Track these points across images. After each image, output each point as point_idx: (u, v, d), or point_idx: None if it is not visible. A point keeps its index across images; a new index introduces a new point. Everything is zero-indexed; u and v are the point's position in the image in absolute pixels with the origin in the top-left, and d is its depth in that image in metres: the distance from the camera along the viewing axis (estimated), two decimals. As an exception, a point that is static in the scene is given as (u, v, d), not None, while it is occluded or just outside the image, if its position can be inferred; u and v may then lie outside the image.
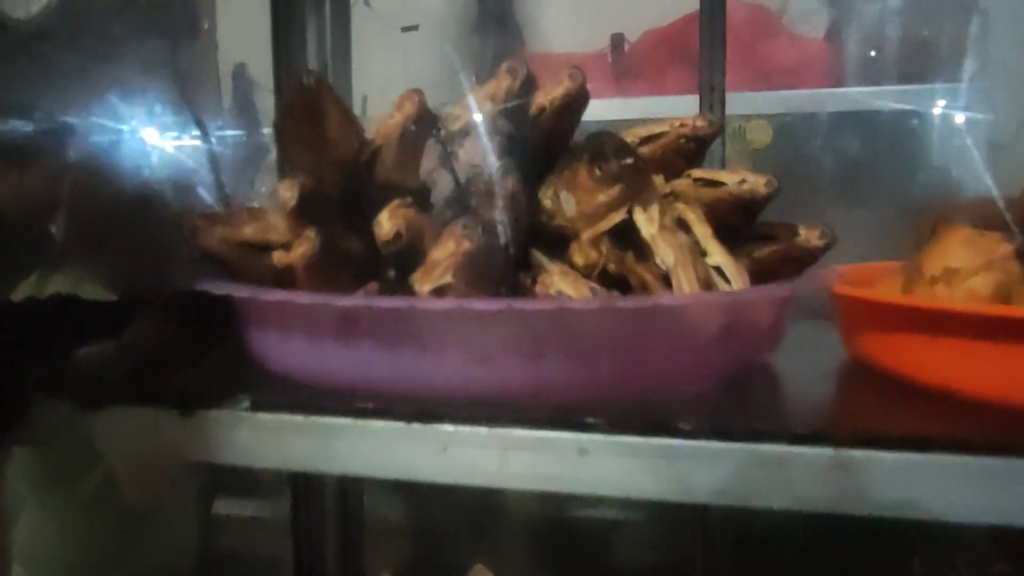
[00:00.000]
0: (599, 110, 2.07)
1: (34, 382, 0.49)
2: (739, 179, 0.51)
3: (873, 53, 2.08)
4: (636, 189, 0.47)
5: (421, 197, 0.53)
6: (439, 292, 0.43)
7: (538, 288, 0.49)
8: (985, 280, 0.43)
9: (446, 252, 0.42)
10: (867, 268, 0.61)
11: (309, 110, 0.46)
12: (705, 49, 0.95)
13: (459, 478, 0.43)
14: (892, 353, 0.46)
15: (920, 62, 2.04)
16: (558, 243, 0.52)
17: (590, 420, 0.41)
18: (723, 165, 1.92)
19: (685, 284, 0.45)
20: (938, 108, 2.01)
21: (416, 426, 0.43)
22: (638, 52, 2.20)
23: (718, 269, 0.49)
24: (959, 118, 2.00)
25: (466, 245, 0.41)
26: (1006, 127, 2.17)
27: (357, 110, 2.77)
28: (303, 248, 0.45)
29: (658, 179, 0.51)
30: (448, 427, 0.42)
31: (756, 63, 2.05)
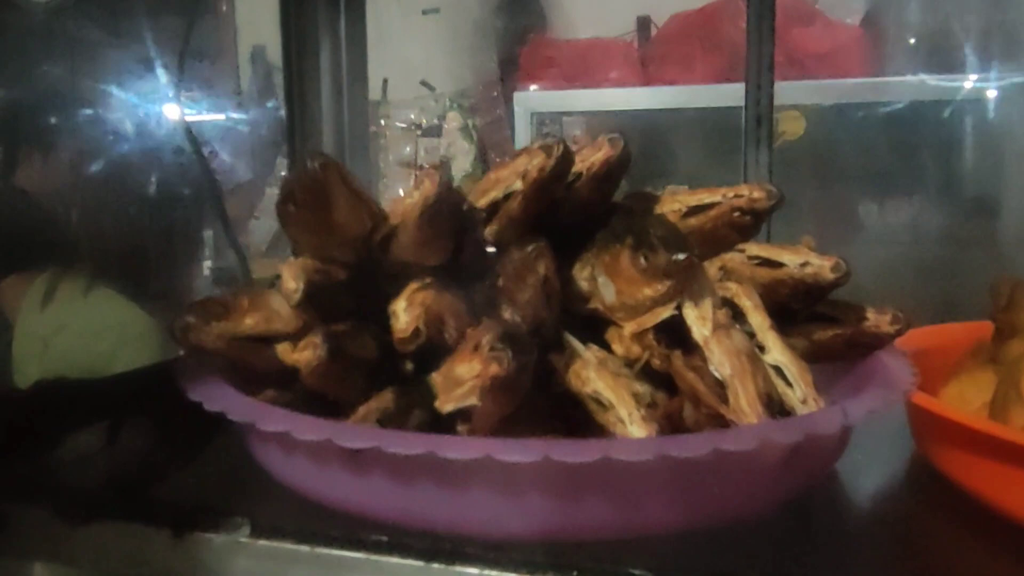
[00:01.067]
0: (624, 99, 2.00)
1: (13, 486, 0.45)
2: (802, 260, 0.45)
3: (912, 40, 1.98)
4: (686, 284, 0.41)
5: (444, 271, 0.47)
6: (462, 414, 0.38)
7: (572, 380, 0.43)
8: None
9: (471, 372, 0.37)
10: (942, 333, 0.55)
11: (313, 196, 0.41)
12: (753, 44, 0.88)
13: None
14: (975, 477, 0.40)
15: (961, 50, 1.94)
16: (594, 326, 0.47)
17: (636, 572, 0.35)
18: (770, 152, 1.83)
19: (745, 403, 0.39)
20: (978, 98, 1.92)
21: (436, 566, 0.37)
22: (666, 37, 2.11)
23: (777, 368, 0.43)
24: (1000, 108, 1.91)
25: (495, 369, 0.36)
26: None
27: (376, 94, 2.69)
28: (307, 355, 0.40)
29: (711, 269, 0.45)
30: (473, 570, 0.37)
31: (789, 50, 1.95)
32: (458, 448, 0.33)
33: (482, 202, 0.44)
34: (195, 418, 0.43)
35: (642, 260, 0.41)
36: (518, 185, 0.42)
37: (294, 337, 0.44)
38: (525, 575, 0.36)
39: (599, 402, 0.41)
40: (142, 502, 0.43)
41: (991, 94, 1.90)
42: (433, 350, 0.42)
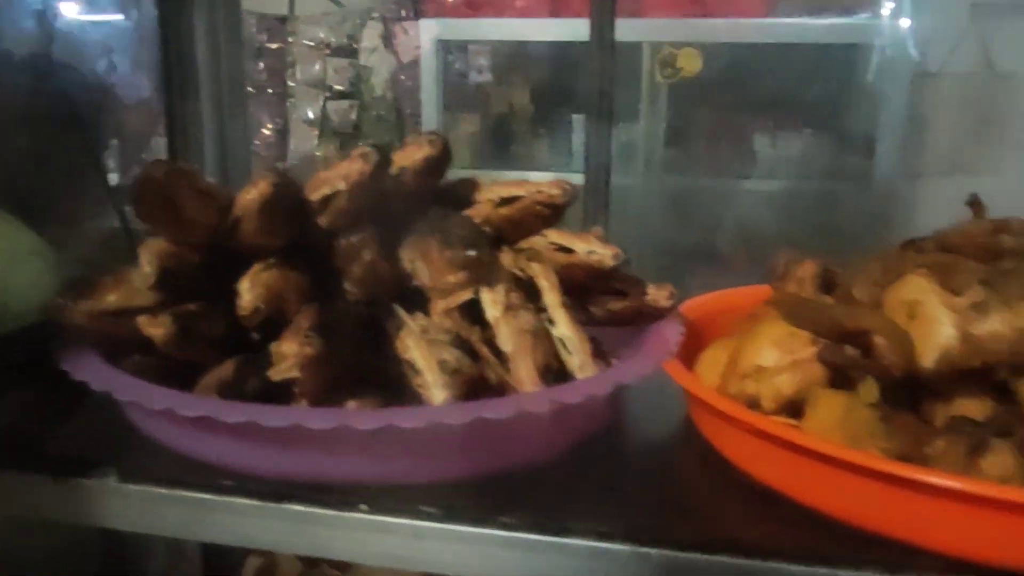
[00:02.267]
0: (530, 29, 2.01)
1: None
2: (589, 248, 0.54)
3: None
4: (483, 273, 0.50)
5: (292, 252, 0.54)
6: (293, 381, 0.46)
7: (398, 347, 0.52)
8: (790, 379, 0.47)
9: (291, 351, 0.45)
10: (717, 300, 0.65)
11: (161, 200, 0.47)
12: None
13: (310, 551, 0.47)
14: (719, 441, 0.50)
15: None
16: (421, 297, 0.55)
17: (426, 509, 0.45)
18: (650, 89, 1.89)
19: (524, 374, 0.48)
20: (869, 39, 2.03)
21: (270, 505, 0.46)
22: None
23: (563, 340, 0.53)
24: (889, 49, 2.02)
25: (308, 351, 0.44)
26: (934, 57, 2.20)
27: (283, 8, 2.61)
28: (159, 331, 0.47)
29: (505, 258, 0.53)
30: (298, 507, 0.46)
31: (690, -12, 2.01)
32: (272, 417, 0.42)
33: (314, 197, 0.51)
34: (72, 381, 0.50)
35: (446, 253, 0.50)
36: (341, 186, 0.50)
37: (153, 311, 0.51)
38: (338, 510, 0.45)
39: (414, 368, 0.50)
40: (29, 454, 0.51)
41: (873, 36, 2.01)
42: (278, 324, 0.50)
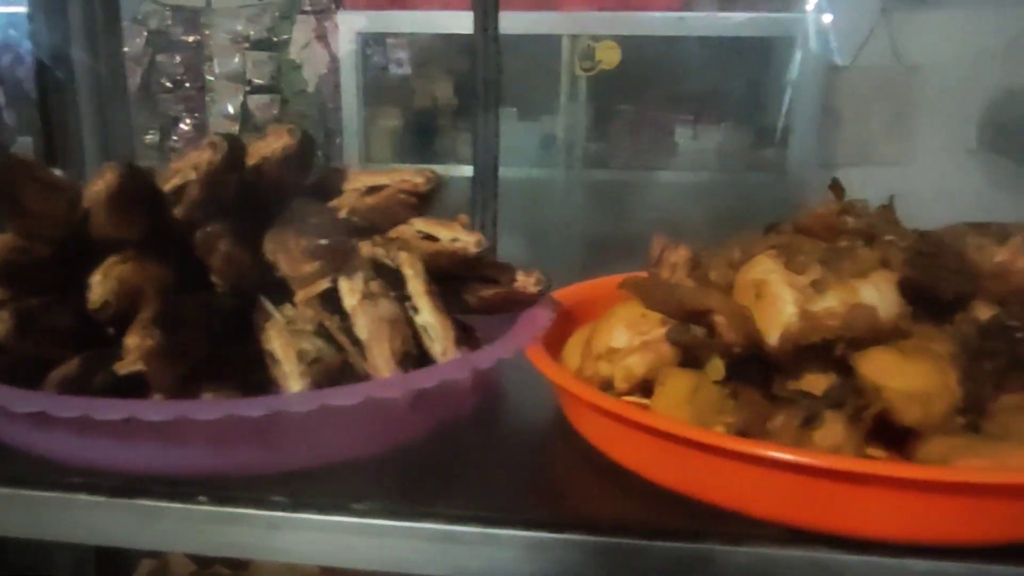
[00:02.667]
0: (449, 22, 2.00)
1: None
2: (453, 236, 0.54)
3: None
4: (339, 262, 0.50)
5: (153, 243, 0.53)
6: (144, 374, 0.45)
7: (263, 338, 0.51)
8: (641, 360, 0.48)
9: (134, 343, 0.44)
10: (595, 286, 0.66)
11: (2, 193, 0.46)
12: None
13: (159, 545, 0.46)
14: (578, 422, 0.51)
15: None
16: (287, 288, 0.55)
17: (276, 499, 0.45)
18: (570, 82, 1.91)
19: (380, 361, 0.48)
20: (783, 33, 2.08)
21: (118, 500, 0.46)
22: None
23: (426, 327, 0.53)
24: (803, 42, 2.08)
25: (149, 343, 0.43)
26: (846, 51, 2.26)
27: (199, 0, 2.54)
28: (-1, 327, 0.46)
29: (376, 247, 0.53)
30: (146, 502, 0.45)
31: (608, -19, 2.03)
32: (106, 411, 0.41)
33: (167, 187, 0.50)
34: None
35: (301, 242, 0.49)
36: (192, 175, 0.49)
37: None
38: (183, 503, 0.45)
39: (274, 358, 0.50)
40: None
41: (787, 30, 2.06)
42: (130, 317, 0.49)
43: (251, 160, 0.54)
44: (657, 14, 1.96)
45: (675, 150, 2.15)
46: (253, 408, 0.42)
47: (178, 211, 0.51)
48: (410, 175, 0.54)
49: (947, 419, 0.44)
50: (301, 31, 2.33)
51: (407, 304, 0.53)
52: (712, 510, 0.44)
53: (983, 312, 0.49)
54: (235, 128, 2.37)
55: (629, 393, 0.49)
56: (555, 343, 0.58)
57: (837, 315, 0.46)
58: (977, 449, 0.42)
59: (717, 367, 0.47)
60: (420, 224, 0.56)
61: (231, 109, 2.35)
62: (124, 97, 0.86)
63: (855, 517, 0.41)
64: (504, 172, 2.10)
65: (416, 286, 0.53)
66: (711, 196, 2.02)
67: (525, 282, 0.57)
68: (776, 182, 2.06)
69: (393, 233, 0.57)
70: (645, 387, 0.49)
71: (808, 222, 0.54)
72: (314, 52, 2.35)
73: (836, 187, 0.61)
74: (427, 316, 0.52)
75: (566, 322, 0.60)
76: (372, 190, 0.55)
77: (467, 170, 2.04)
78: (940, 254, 0.47)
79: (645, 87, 2.11)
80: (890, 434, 0.48)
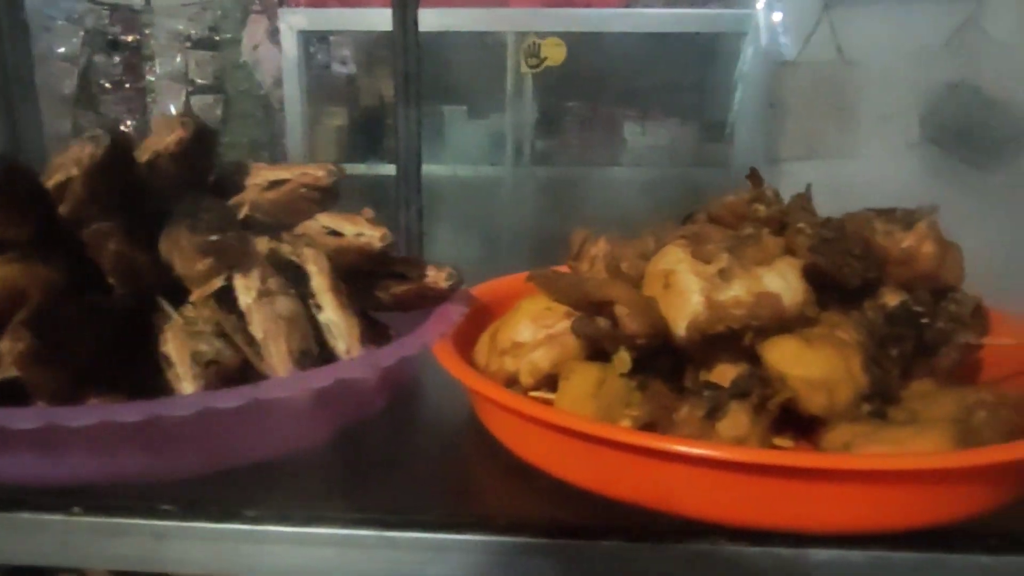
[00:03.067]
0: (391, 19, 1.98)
1: None
2: (357, 231, 0.53)
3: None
4: (233, 258, 0.48)
5: (44, 243, 0.50)
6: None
7: (161, 340, 0.49)
8: (546, 354, 0.47)
9: (5, 348, 0.42)
10: (507, 284, 0.64)
11: None
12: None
13: (42, 560, 0.44)
14: (487, 420, 0.50)
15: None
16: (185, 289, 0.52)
17: (165, 507, 0.43)
18: (516, 80, 1.90)
19: (276, 360, 0.46)
20: (729, 29, 2.09)
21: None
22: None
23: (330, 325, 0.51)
24: (749, 38, 2.09)
25: (19, 347, 0.41)
26: (791, 46, 2.29)
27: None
28: None
29: (275, 246, 0.51)
30: (26, 515, 0.43)
31: (552, -22, 2.02)
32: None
33: (50, 184, 0.48)
34: None
35: (194, 239, 0.47)
36: (74, 171, 0.46)
37: None
38: (64, 515, 0.42)
39: (168, 360, 0.48)
40: None
41: (732, 26, 2.07)
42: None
43: (144, 155, 0.52)
44: (602, 11, 1.96)
45: (624, 146, 2.15)
46: (129, 413, 0.39)
47: (63, 208, 0.48)
48: (312, 169, 0.53)
49: (852, 406, 0.44)
50: (252, 32, 2.29)
51: (311, 302, 0.51)
52: (616, 506, 0.43)
53: (891, 298, 0.49)
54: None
55: (535, 388, 0.48)
56: (471, 339, 0.56)
57: (743, 304, 0.45)
58: (879, 436, 0.41)
59: (623, 359, 0.46)
60: (325, 219, 0.54)
61: (173, 110, 2.30)
62: (33, 98, 0.83)
63: (756, 508, 0.40)
64: (455, 171, 2.09)
65: (320, 283, 0.52)
66: (659, 191, 2.03)
67: (436, 277, 0.56)
68: (724, 177, 2.07)
69: (299, 229, 0.55)
70: (552, 381, 0.48)
71: (720, 211, 0.54)
72: (267, 52, 2.31)
73: (754, 176, 0.60)
74: (330, 313, 0.51)
75: (484, 317, 0.59)
76: (273, 185, 0.53)
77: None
78: (844, 240, 0.47)
79: (592, 84, 2.10)
80: (803, 423, 0.47)
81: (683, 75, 2.16)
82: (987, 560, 0.40)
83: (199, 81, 2.31)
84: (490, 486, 0.46)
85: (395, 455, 0.49)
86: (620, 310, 0.44)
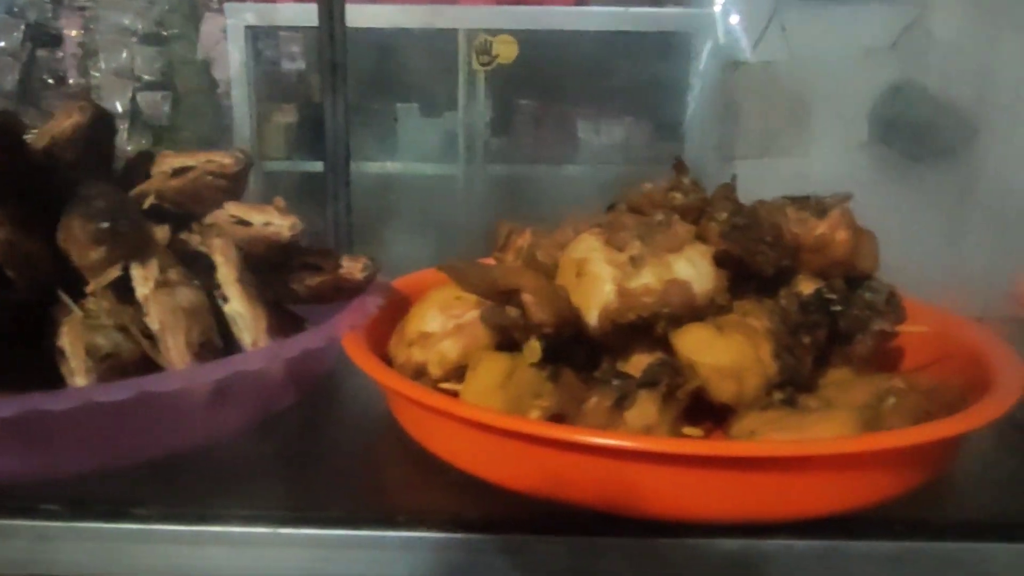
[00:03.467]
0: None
1: None
2: (266, 220, 0.51)
3: (616, -29, 2.11)
4: (129, 247, 0.46)
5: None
6: None
7: (58, 334, 0.47)
8: (454, 344, 0.46)
9: None
10: (430, 276, 0.63)
11: None
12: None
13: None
14: (398, 413, 0.48)
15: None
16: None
17: (48, 507, 0.41)
18: (468, 77, 1.89)
19: (174, 353, 0.44)
20: (682, 28, 2.10)
21: None
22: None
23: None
24: (701, 37, 2.10)
25: None
26: (743, 45, 2.30)
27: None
28: None
29: (173, 241, 0.49)
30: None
31: (503, -24, 2.01)
32: None
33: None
34: None
35: (88, 227, 0.45)
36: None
37: None
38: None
39: (63, 354, 0.46)
40: None
41: (685, 25, 2.08)
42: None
43: (40, 141, 0.49)
44: (553, 8, 1.96)
45: (577, 144, 2.15)
46: (5, 408, 0.37)
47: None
48: (218, 156, 0.51)
49: (762, 394, 0.43)
50: (209, 29, 2.25)
51: (217, 293, 0.50)
52: (522, 499, 0.41)
53: (806, 286, 0.49)
54: (124, 126, 2.27)
55: (445, 379, 0.47)
56: (390, 332, 0.55)
57: (653, 291, 0.44)
58: (785, 423, 0.41)
59: (534, 349, 0.45)
60: (233, 208, 0.52)
61: (119, 106, 2.25)
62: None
63: (661, 499, 0.39)
64: (407, 168, 2.07)
65: (226, 274, 0.50)
66: (613, 190, 2.02)
67: (351, 268, 0.54)
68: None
69: (209, 219, 0.53)
70: (463, 373, 0.47)
71: (638, 200, 0.53)
72: (224, 50, 2.26)
73: (679, 166, 0.60)
74: (236, 305, 0.49)
75: (405, 310, 0.57)
76: (178, 172, 0.51)
77: (365, 165, 2.00)
78: (756, 227, 0.46)
79: (546, 82, 2.10)
80: (720, 413, 0.46)
81: (637, 74, 2.16)
82: (891, 547, 0.40)
83: (146, 77, 2.26)
84: (397, 481, 0.45)
85: (302, 450, 0.48)
86: (527, 298, 0.43)
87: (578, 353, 0.48)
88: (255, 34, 1.92)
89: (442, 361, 0.46)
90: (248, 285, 0.50)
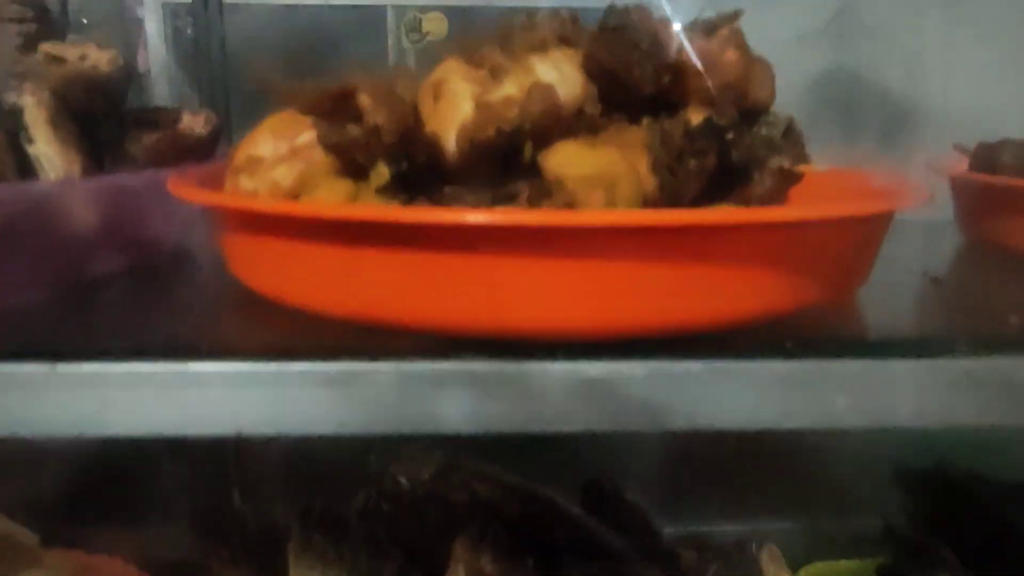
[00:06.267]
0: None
1: None
2: (81, 53, 0.44)
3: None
4: None
5: None
6: None
7: None
8: (288, 170, 0.40)
9: None
10: None
11: None
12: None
13: None
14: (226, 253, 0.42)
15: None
16: None
17: None
18: (398, 55, 1.83)
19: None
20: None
21: None
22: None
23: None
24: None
25: None
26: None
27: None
28: None
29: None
30: None
31: (433, -49, 1.98)
32: None
33: None
34: None
35: None
36: None
37: None
38: None
39: None
40: None
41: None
42: None
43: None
44: (483, -16, 1.92)
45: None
46: None
47: None
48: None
49: (635, 206, 0.38)
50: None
51: (23, 135, 0.43)
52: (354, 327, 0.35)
53: (695, 117, 0.44)
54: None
55: (278, 211, 0.40)
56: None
57: (514, 101, 0.39)
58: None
59: (381, 173, 0.39)
60: (47, 47, 0.46)
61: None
62: None
63: (505, 305, 0.33)
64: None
65: (35, 115, 0.43)
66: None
67: (192, 122, 0.48)
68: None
69: (20, 67, 0.47)
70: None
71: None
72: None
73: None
74: (42, 146, 0.42)
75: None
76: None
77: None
78: (630, 28, 0.41)
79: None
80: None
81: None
82: (782, 366, 0.35)
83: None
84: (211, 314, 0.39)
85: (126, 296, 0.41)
86: (363, 100, 0.37)
87: (437, 190, 0.42)
88: (174, 11, 1.84)
89: (274, 189, 0.39)
90: (60, 129, 0.43)
